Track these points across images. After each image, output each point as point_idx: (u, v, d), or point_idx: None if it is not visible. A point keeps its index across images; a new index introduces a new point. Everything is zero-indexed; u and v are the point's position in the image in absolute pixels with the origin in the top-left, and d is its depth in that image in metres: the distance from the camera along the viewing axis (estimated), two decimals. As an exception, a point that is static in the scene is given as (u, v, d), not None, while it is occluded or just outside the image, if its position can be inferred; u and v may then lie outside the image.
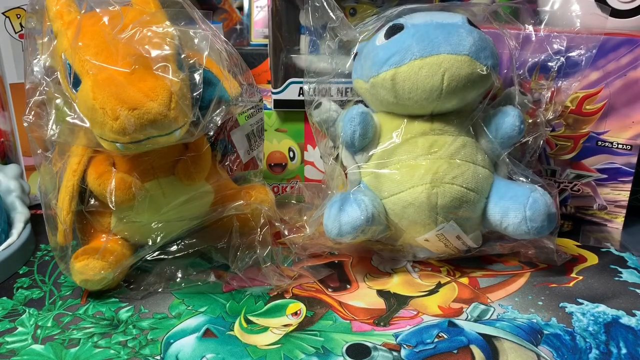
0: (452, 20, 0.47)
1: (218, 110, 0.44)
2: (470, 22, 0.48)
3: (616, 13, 0.56)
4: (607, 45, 0.52)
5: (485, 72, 0.46)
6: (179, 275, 0.48)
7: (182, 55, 0.42)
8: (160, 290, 0.47)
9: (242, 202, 0.49)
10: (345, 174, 0.51)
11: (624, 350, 0.39)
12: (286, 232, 0.51)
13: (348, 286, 0.48)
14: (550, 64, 0.53)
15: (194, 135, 0.43)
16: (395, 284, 0.48)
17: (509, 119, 0.48)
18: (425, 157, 0.47)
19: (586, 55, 0.52)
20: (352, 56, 0.51)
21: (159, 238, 0.47)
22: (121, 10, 0.42)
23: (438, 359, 0.39)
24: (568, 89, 0.53)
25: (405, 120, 0.49)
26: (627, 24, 0.56)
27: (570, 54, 0.52)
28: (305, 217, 0.53)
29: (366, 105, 0.50)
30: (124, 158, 0.45)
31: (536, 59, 0.53)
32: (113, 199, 0.44)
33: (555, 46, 0.53)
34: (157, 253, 0.48)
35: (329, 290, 0.47)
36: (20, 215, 0.55)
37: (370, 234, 0.47)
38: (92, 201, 0.46)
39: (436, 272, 0.50)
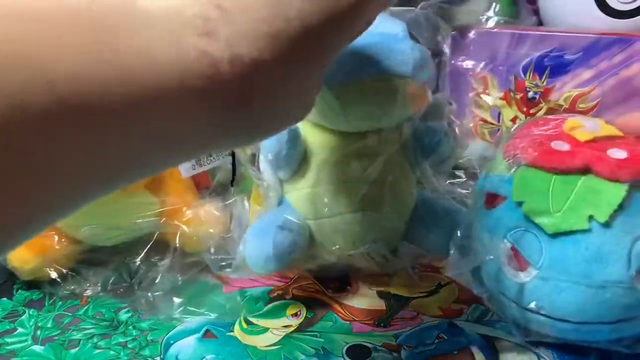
0: (395, 33, 0.43)
1: None
2: (410, 34, 0.44)
3: (616, 14, 0.56)
4: (599, 44, 0.52)
5: (422, 92, 0.43)
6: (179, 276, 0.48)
7: None
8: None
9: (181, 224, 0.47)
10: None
11: (625, 351, 0.39)
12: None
13: (348, 287, 0.48)
14: (544, 63, 0.53)
15: None
16: (396, 284, 0.48)
17: (439, 135, 0.46)
18: (358, 180, 0.43)
19: (580, 54, 0.52)
20: None
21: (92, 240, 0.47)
22: None
23: (438, 360, 0.39)
24: (561, 88, 0.53)
25: (337, 136, 0.44)
26: (628, 24, 0.56)
27: (564, 53, 0.52)
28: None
29: None
30: None
31: (530, 58, 0.54)
32: None
33: (550, 45, 0.53)
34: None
35: (329, 291, 0.47)
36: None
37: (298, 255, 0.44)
38: None
39: (436, 273, 0.49)
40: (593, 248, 0.35)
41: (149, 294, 0.45)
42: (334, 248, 0.44)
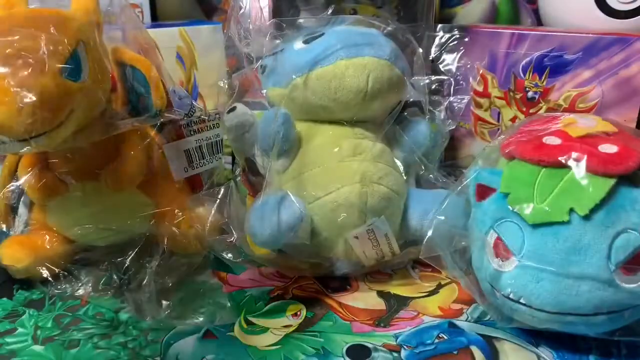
0: (370, 31, 0.49)
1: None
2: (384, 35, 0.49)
3: (616, 14, 0.56)
4: (599, 44, 0.52)
5: (402, 79, 0.47)
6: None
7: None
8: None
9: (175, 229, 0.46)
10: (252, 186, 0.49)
11: (624, 351, 0.39)
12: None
13: (348, 287, 0.48)
14: (544, 62, 0.53)
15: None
16: (396, 284, 0.48)
17: (421, 128, 0.50)
18: (352, 159, 0.46)
19: (579, 54, 0.52)
20: (260, 71, 0.50)
21: (84, 240, 0.47)
22: None
23: (438, 360, 0.39)
24: (561, 88, 0.53)
25: (326, 125, 0.48)
26: (627, 24, 0.56)
27: (563, 53, 0.52)
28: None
29: None
30: (55, 154, 0.44)
31: (530, 58, 0.54)
32: (27, 190, 0.45)
33: (549, 45, 0.53)
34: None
35: (329, 291, 0.47)
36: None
37: (296, 239, 0.44)
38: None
39: (436, 273, 0.49)
40: (572, 240, 0.35)
41: (137, 296, 0.45)
42: (339, 219, 0.44)
